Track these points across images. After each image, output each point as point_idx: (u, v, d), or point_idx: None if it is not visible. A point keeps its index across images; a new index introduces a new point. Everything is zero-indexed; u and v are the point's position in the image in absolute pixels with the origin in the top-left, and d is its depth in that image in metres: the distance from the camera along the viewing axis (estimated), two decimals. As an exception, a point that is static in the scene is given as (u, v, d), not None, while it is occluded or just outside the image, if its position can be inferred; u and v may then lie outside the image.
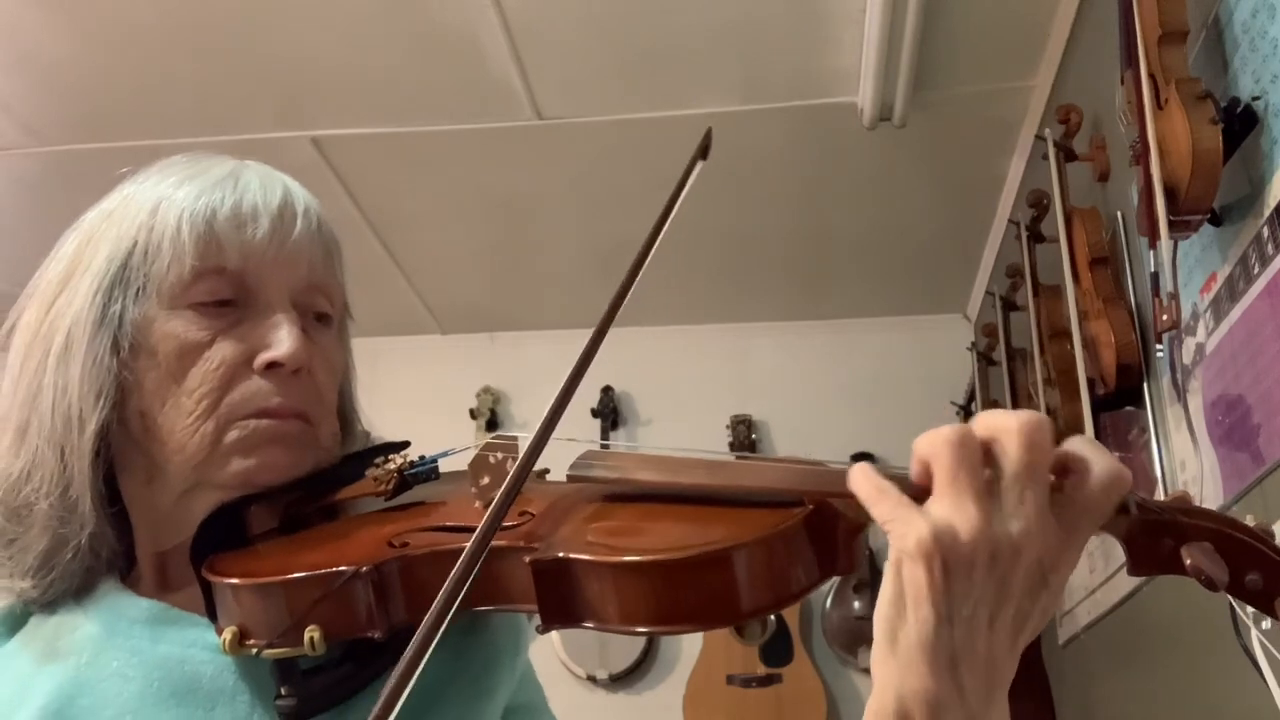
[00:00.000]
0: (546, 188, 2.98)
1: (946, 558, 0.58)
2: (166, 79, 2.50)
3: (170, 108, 2.58)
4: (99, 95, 2.54)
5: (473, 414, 3.67)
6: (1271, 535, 0.61)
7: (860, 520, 0.65)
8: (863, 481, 0.62)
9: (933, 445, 0.60)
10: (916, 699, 0.58)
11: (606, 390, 3.65)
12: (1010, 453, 0.59)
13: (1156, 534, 0.61)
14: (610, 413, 3.62)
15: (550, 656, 3.38)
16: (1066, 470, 0.60)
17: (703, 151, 0.69)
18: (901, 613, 0.59)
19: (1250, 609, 0.60)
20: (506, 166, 2.87)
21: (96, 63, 2.45)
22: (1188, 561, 0.59)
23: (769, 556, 0.62)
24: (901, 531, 0.59)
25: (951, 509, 0.58)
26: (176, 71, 2.48)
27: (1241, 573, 0.59)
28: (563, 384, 0.67)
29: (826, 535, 0.65)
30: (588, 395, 3.61)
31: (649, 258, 0.68)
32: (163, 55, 2.43)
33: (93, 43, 2.39)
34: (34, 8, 2.28)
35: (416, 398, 3.63)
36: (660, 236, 0.68)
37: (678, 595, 0.62)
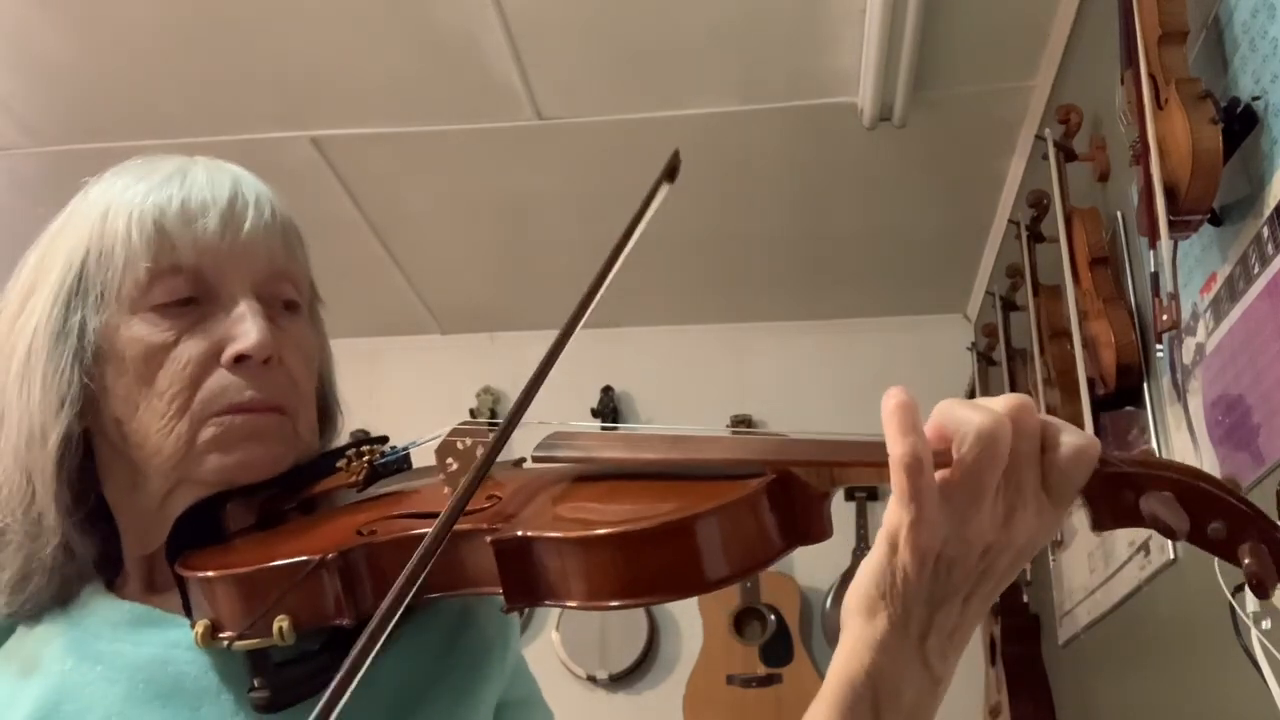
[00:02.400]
0: (546, 188, 2.98)
1: (944, 554, 0.60)
2: (166, 79, 2.50)
3: (170, 108, 2.58)
4: (99, 95, 2.55)
5: (473, 414, 3.67)
6: (1237, 486, 0.61)
7: (823, 489, 0.66)
8: (900, 438, 0.58)
9: (963, 428, 0.59)
10: (886, 668, 0.62)
11: (606, 390, 3.65)
12: (1017, 450, 0.59)
13: (1117, 487, 0.61)
14: (610, 413, 3.62)
15: (550, 656, 3.39)
16: (1042, 448, 0.61)
17: (669, 174, 0.69)
18: (885, 592, 0.61)
19: (1250, 607, 0.60)
20: (506, 166, 2.87)
21: (97, 63, 2.45)
22: (1146, 513, 0.59)
23: (730, 525, 0.63)
24: (914, 520, 0.59)
25: (967, 508, 0.59)
26: (176, 72, 2.48)
27: (1204, 521, 0.59)
28: (529, 378, 0.67)
29: (789, 504, 0.65)
30: (588, 395, 3.61)
31: (611, 274, 0.68)
32: (163, 55, 2.43)
33: (93, 43, 2.39)
34: (34, 8, 2.28)
35: (416, 398, 3.63)
36: (622, 257, 0.68)
37: (639, 567, 0.62)
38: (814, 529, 0.66)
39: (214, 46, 2.40)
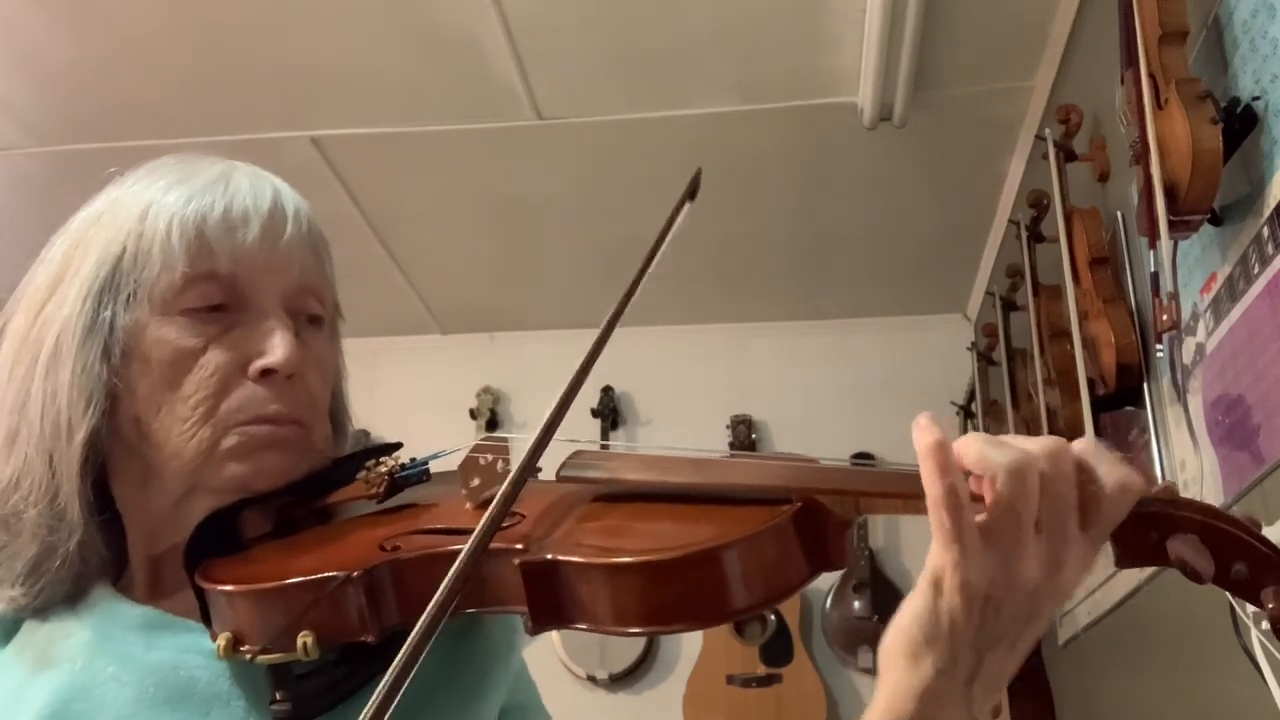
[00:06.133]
0: (546, 188, 2.98)
1: (991, 596, 0.58)
2: (167, 79, 2.50)
3: (170, 108, 2.58)
4: (99, 95, 2.55)
5: (473, 414, 3.67)
6: (1258, 526, 0.61)
7: (848, 517, 0.66)
8: (938, 479, 0.58)
9: (991, 467, 0.58)
10: (928, 713, 0.60)
11: (606, 390, 3.65)
12: (1055, 490, 0.59)
13: (1143, 526, 0.61)
14: (610, 413, 3.62)
15: (550, 656, 3.39)
16: (1082, 484, 0.60)
17: (691, 193, 0.70)
18: (930, 637, 0.60)
19: (1250, 608, 0.60)
20: (506, 166, 2.87)
21: (97, 63, 2.45)
22: (1173, 554, 0.60)
23: (757, 554, 0.63)
24: (957, 560, 0.58)
25: (1010, 547, 0.58)
26: (177, 72, 2.48)
27: (1227, 563, 0.60)
28: (558, 397, 0.67)
29: (815, 531, 0.65)
30: (588, 395, 3.61)
31: (636, 293, 0.68)
32: (163, 55, 2.43)
33: (93, 43, 2.39)
34: (34, 8, 2.28)
35: (416, 398, 3.63)
36: (646, 276, 0.69)
37: (667, 595, 0.62)
38: (837, 557, 0.66)
39: (214, 46, 2.40)
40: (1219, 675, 1.62)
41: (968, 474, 0.60)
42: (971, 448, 0.59)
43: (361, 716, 0.53)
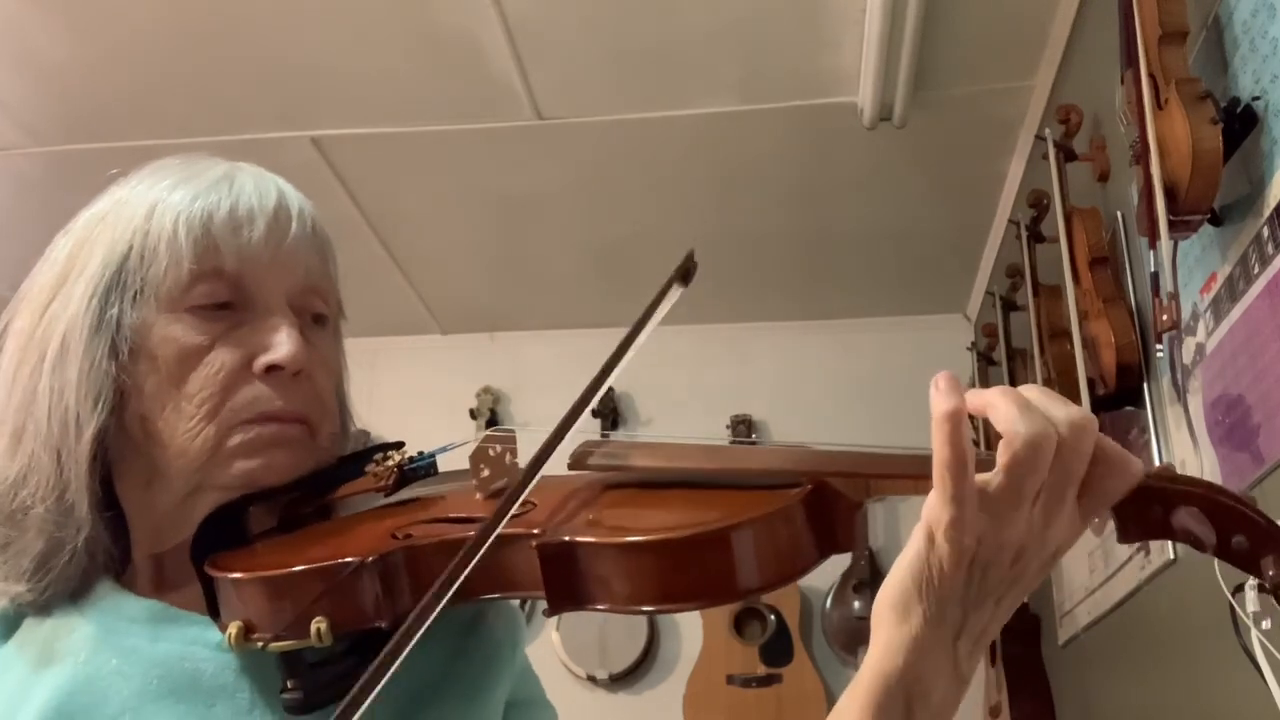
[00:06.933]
0: (546, 188, 2.98)
1: (979, 556, 0.60)
2: (166, 79, 2.50)
3: (170, 108, 2.58)
4: (98, 96, 2.54)
5: (473, 414, 3.67)
6: (1254, 500, 0.64)
7: (858, 499, 0.67)
8: (948, 446, 0.58)
9: (1013, 435, 0.59)
10: (920, 669, 0.62)
11: (607, 390, 3.65)
12: (1066, 464, 0.60)
13: (1146, 502, 0.63)
14: (610, 412, 3.62)
15: (550, 656, 3.38)
16: (1093, 464, 0.62)
17: (683, 276, 0.70)
18: (921, 589, 0.61)
19: (1251, 608, 0.61)
20: (506, 166, 2.87)
21: (96, 63, 2.45)
22: (1177, 526, 0.62)
23: (769, 534, 0.64)
24: (952, 519, 0.59)
25: (1006, 512, 0.60)
26: (176, 72, 2.48)
27: (1228, 535, 0.62)
28: (578, 397, 0.67)
29: (825, 514, 0.66)
30: (588, 395, 3.61)
31: (618, 367, 0.69)
32: (162, 55, 2.43)
33: (92, 43, 2.39)
34: (33, 8, 2.28)
35: (416, 398, 3.63)
36: (629, 353, 0.69)
37: (681, 574, 0.63)
38: (846, 539, 0.67)
39: (214, 46, 2.40)
40: (1219, 675, 1.62)
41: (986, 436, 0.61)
42: (1001, 408, 0.60)
43: (357, 685, 0.54)
